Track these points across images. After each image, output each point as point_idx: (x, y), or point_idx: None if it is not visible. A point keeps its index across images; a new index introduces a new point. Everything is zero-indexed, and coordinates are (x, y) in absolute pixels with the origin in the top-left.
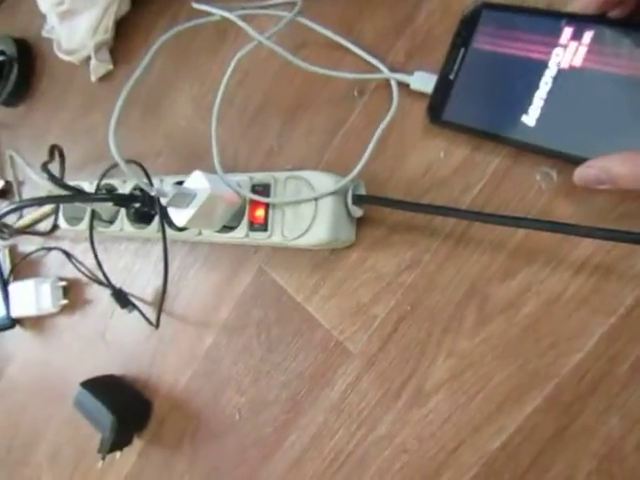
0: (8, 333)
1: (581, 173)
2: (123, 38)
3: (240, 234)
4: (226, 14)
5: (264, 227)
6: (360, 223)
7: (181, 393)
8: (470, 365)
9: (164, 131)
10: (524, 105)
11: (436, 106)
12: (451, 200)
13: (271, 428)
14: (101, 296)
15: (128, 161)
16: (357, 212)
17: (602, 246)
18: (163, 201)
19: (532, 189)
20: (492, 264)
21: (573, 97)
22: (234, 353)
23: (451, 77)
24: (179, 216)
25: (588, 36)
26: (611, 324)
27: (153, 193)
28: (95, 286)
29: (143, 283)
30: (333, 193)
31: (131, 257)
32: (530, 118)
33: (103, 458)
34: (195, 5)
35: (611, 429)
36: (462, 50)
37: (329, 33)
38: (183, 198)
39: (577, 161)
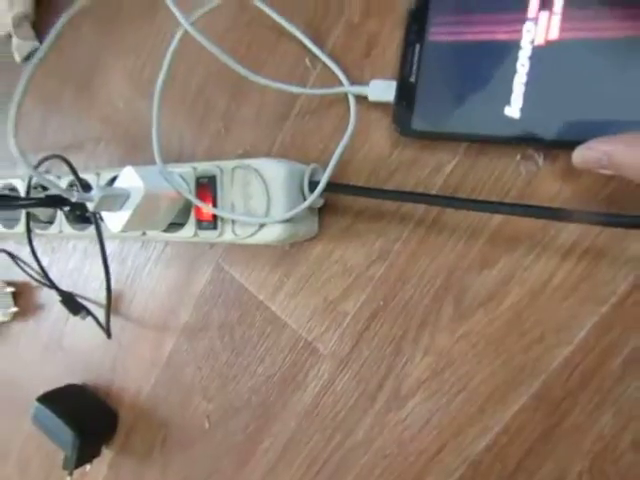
0: None
1: (581, 155)
2: (46, 11)
3: (188, 233)
4: None
5: (213, 225)
6: (322, 212)
7: (146, 401)
8: (449, 363)
9: (101, 114)
10: (504, 96)
11: (402, 116)
12: (420, 182)
13: (242, 435)
14: (54, 300)
15: (53, 156)
16: (317, 202)
17: (590, 229)
18: (90, 206)
19: (510, 168)
20: (469, 252)
21: (557, 76)
22: (197, 357)
23: (412, 80)
24: (113, 220)
25: (559, 2)
26: (603, 314)
27: (74, 199)
28: (46, 290)
29: (96, 285)
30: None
31: (80, 258)
32: (514, 109)
33: (70, 474)
34: None
35: (604, 426)
36: (417, 47)
37: (274, 15)
38: (114, 200)
39: (574, 146)
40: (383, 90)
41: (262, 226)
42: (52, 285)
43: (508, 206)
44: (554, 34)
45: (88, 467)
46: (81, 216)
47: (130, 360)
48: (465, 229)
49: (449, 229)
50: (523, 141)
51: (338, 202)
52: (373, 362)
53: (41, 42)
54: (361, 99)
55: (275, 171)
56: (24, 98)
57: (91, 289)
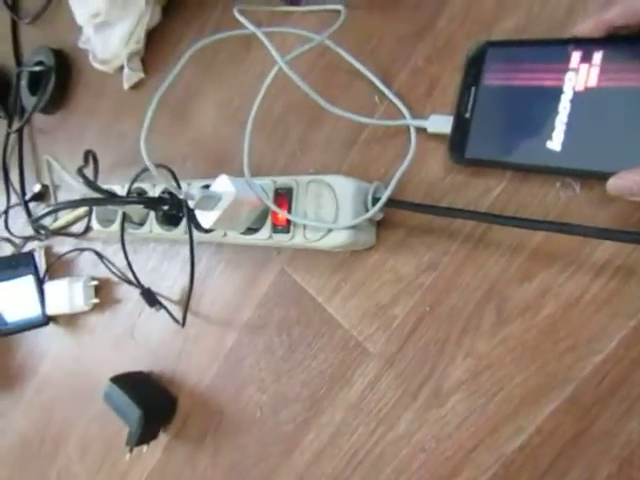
0: (43, 330)
1: (614, 184)
2: (154, 48)
3: (264, 236)
4: (257, 31)
5: (287, 229)
6: (380, 225)
7: (205, 390)
8: (488, 366)
9: (191, 136)
10: (547, 132)
11: (457, 146)
12: (470, 203)
13: (291, 425)
14: (130, 295)
15: (157, 165)
16: (377, 215)
17: (622, 249)
18: (190, 204)
19: (551, 193)
20: (510, 266)
21: (594, 116)
22: (256, 352)
23: (467, 116)
24: (205, 218)
25: (597, 57)
26: (632, 327)
27: (181, 196)
28: (125, 286)
29: (170, 283)
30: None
31: (159, 258)
32: (555, 143)
33: (131, 451)
34: (237, 15)
35: (631, 432)
36: (473, 89)
37: (351, 59)
38: (209, 201)
39: (607, 177)
40: (441, 124)
41: (329, 232)
42: (134, 277)
43: (549, 224)
44: (593, 82)
45: (145, 449)
46: (170, 218)
47: (194, 352)
48: (508, 246)
49: (494, 245)
50: (562, 171)
51: (395, 218)
52: (417, 362)
53: (145, 73)
54: (421, 131)
55: (345, 186)
56: (154, 116)
57: (165, 287)
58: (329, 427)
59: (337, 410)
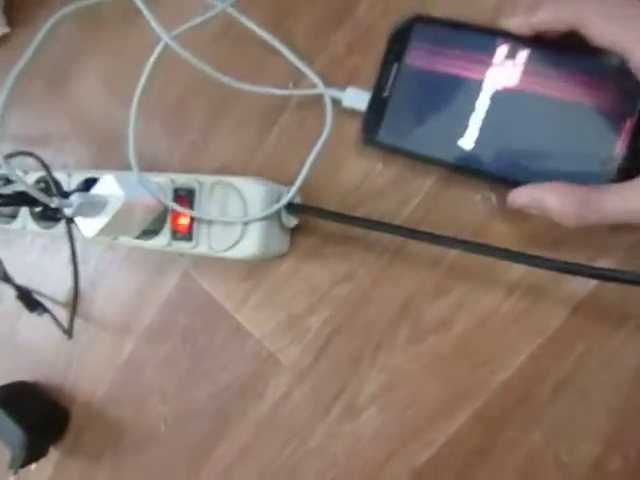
0: None
1: (513, 198)
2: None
3: (162, 242)
4: None
5: (189, 237)
6: (294, 231)
7: (101, 401)
8: (402, 380)
9: (72, 111)
10: (461, 127)
11: (370, 126)
12: (387, 213)
13: (199, 440)
14: (6, 295)
15: (24, 153)
16: (291, 222)
17: (533, 269)
18: (68, 211)
19: (469, 206)
20: (427, 281)
21: (509, 120)
22: (157, 361)
23: (385, 95)
24: (88, 226)
25: (522, 56)
26: (538, 344)
27: (54, 205)
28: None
29: (54, 281)
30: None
31: (39, 254)
32: (467, 141)
33: (15, 473)
34: None
35: (533, 443)
36: (395, 66)
37: (258, 29)
38: (92, 207)
39: (513, 184)
40: (357, 98)
41: (237, 242)
42: (8, 279)
43: (462, 243)
44: (513, 82)
45: (33, 466)
46: (48, 214)
47: (87, 360)
48: (425, 259)
49: (411, 258)
50: (470, 171)
51: (309, 224)
52: (331, 376)
53: (11, 27)
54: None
55: (254, 191)
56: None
57: (48, 286)
58: (239, 441)
59: (248, 424)
